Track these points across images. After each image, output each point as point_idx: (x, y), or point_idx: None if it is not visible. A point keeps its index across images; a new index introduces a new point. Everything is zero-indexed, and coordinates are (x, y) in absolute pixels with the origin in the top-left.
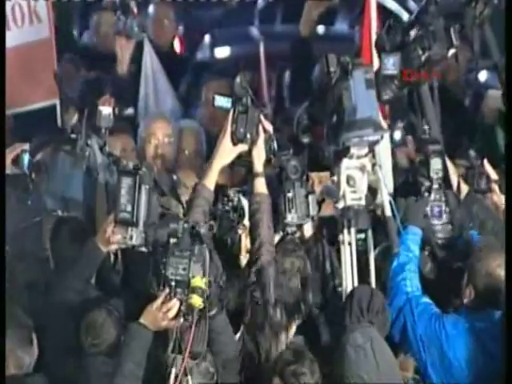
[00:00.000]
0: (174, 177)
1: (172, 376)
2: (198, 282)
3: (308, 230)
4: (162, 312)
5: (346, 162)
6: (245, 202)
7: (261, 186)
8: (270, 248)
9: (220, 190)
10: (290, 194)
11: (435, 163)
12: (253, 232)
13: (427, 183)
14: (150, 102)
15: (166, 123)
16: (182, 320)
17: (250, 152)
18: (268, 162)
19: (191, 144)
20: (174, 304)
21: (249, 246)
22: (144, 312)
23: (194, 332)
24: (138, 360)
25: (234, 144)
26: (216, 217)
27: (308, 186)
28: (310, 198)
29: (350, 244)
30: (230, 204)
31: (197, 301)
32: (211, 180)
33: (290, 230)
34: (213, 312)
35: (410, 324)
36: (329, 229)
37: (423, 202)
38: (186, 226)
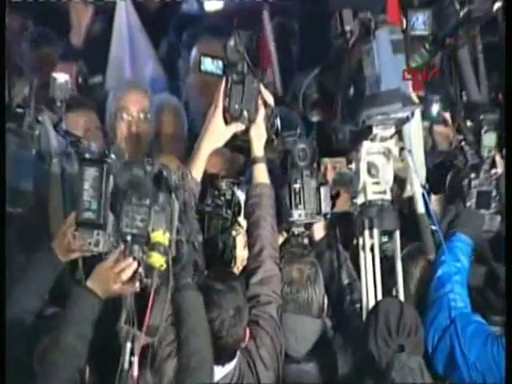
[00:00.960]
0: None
1: (127, 351)
2: (159, 237)
3: (319, 230)
4: (114, 273)
5: (366, 145)
6: (241, 196)
7: (261, 174)
8: (274, 253)
9: (209, 180)
10: (296, 186)
11: (488, 139)
12: (251, 233)
13: (472, 174)
14: (123, 67)
15: (142, 94)
16: (138, 284)
17: (247, 132)
18: (270, 144)
19: (171, 125)
20: (129, 263)
21: (246, 251)
22: (92, 273)
23: (153, 300)
24: (80, 332)
25: (227, 123)
26: (204, 215)
27: (319, 176)
28: (322, 190)
29: (371, 249)
30: (222, 198)
31: (157, 260)
32: (198, 169)
33: (296, 230)
34: (183, 281)
35: (459, 349)
36: (345, 230)
37: (479, 216)
38: (149, 168)
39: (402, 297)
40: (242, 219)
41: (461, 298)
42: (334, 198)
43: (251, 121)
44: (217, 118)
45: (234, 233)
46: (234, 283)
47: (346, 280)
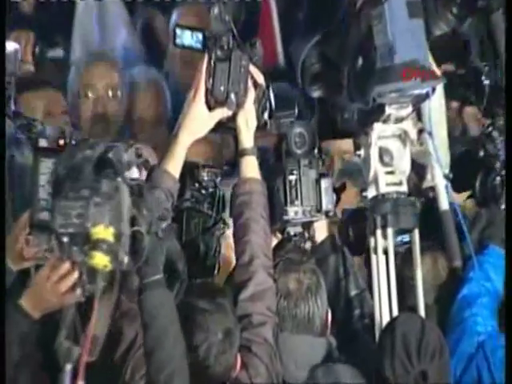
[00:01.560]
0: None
1: (66, 374)
2: (101, 232)
3: (321, 230)
4: (51, 283)
5: (378, 127)
6: (226, 189)
7: (251, 168)
8: (267, 262)
9: (187, 170)
10: (292, 178)
11: None
12: (240, 239)
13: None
14: (90, 37)
15: (111, 67)
16: (80, 292)
17: (234, 118)
18: (261, 127)
19: (147, 105)
20: (67, 270)
21: (233, 257)
22: (27, 286)
23: (98, 309)
24: (9, 354)
25: (211, 108)
26: (182, 212)
27: (320, 165)
28: (323, 183)
29: (385, 252)
30: (204, 192)
31: (100, 260)
32: (175, 164)
33: (293, 230)
34: (148, 279)
35: (487, 378)
36: (353, 229)
37: None
38: (89, 153)
39: (422, 311)
40: (227, 216)
41: (485, 321)
42: (339, 191)
43: (239, 105)
44: (198, 103)
45: (217, 233)
46: (221, 300)
47: (354, 291)
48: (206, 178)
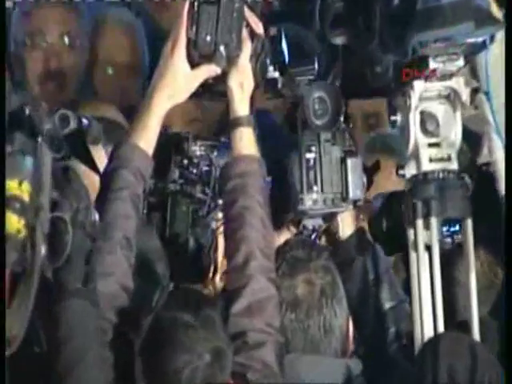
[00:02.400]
0: (85, 120)
1: None
2: (14, 188)
3: (346, 224)
4: None
5: (419, 86)
6: None
7: (246, 142)
8: (267, 264)
9: (174, 143)
10: (310, 156)
11: None
12: (232, 234)
13: None
14: None
15: (67, 9)
16: None
17: (224, 79)
18: (271, 88)
19: (116, 51)
20: None
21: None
22: None
23: (10, 290)
24: None
25: (194, 65)
26: (166, 196)
27: (347, 140)
28: (350, 162)
29: (427, 247)
30: (195, 170)
31: (12, 222)
32: (149, 136)
33: (310, 224)
34: (66, 286)
35: None
36: (387, 222)
37: None
38: None
39: (476, 331)
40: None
41: None
42: (371, 173)
43: (231, 61)
44: (177, 58)
45: (213, 224)
46: (209, 312)
47: (389, 303)
48: (197, 153)
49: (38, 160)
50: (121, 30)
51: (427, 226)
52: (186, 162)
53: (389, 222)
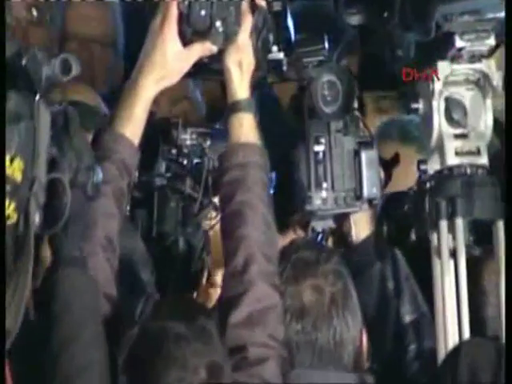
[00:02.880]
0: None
1: None
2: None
3: (361, 225)
4: None
5: (444, 69)
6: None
7: (246, 129)
8: (269, 268)
9: (161, 130)
10: (319, 148)
11: None
12: (229, 234)
13: None
14: None
15: None
16: None
17: (221, 58)
18: (274, 69)
19: (88, 24)
20: None
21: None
22: None
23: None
24: None
25: (186, 42)
26: (152, 192)
27: (361, 130)
28: (366, 155)
29: (452, 253)
30: (185, 162)
31: None
32: (135, 123)
33: (320, 226)
34: (63, 253)
35: None
36: (388, 225)
37: None
38: None
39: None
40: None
41: None
42: (389, 167)
43: (228, 38)
44: (167, 35)
45: (206, 223)
46: (205, 323)
47: (410, 315)
48: (188, 143)
49: (35, 123)
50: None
51: (452, 229)
52: (174, 152)
53: (390, 227)
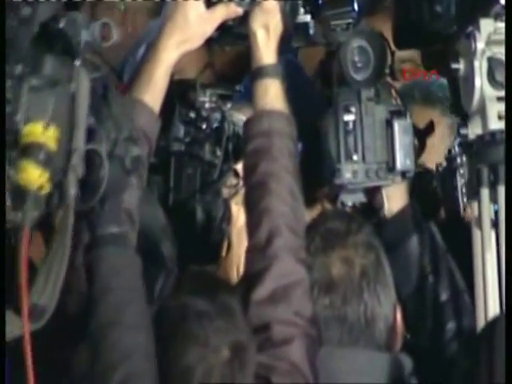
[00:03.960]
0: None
1: None
2: (37, 133)
3: (395, 199)
4: None
5: (487, 26)
6: (240, 121)
7: (271, 96)
8: (295, 242)
9: (178, 92)
10: (349, 118)
11: None
12: (253, 206)
13: None
14: None
15: None
16: None
17: (246, 21)
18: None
19: None
20: None
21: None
22: None
23: (25, 255)
24: None
25: (210, 3)
26: (169, 157)
27: (394, 98)
28: (399, 125)
29: (495, 225)
30: (204, 126)
31: (32, 174)
32: (156, 90)
33: (349, 199)
34: (102, 230)
35: None
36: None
37: None
38: (26, 12)
39: None
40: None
41: None
42: (424, 136)
43: (255, 1)
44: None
45: (226, 192)
46: (228, 299)
47: (446, 293)
48: (207, 106)
49: (74, 90)
50: None
51: (494, 198)
52: (193, 115)
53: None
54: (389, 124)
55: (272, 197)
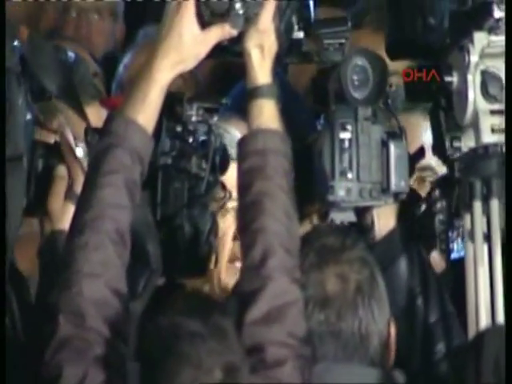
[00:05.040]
0: (71, 53)
1: None
2: None
3: (385, 218)
4: None
5: (481, 40)
6: (231, 136)
7: (266, 116)
8: (290, 262)
9: (166, 104)
10: (345, 136)
11: None
12: (248, 224)
13: None
14: None
15: None
16: None
17: (241, 40)
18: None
19: None
20: None
21: (237, 250)
22: None
23: None
24: None
25: (205, 24)
26: (155, 171)
27: (390, 117)
28: (395, 146)
29: (487, 238)
30: (191, 139)
31: None
32: (149, 110)
33: (340, 218)
34: None
35: None
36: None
37: None
38: None
39: None
40: (228, 179)
41: None
42: (415, 160)
43: (250, 21)
44: (184, 17)
45: (213, 205)
46: (221, 320)
47: (435, 314)
48: (194, 119)
49: None
50: None
51: (487, 211)
52: (179, 129)
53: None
54: (384, 145)
55: (266, 216)
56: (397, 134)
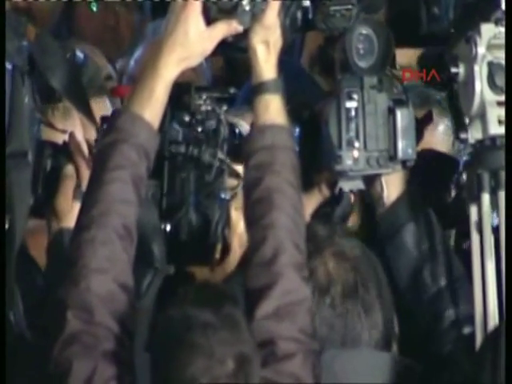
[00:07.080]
0: (80, 53)
1: None
2: None
3: (393, 187)
4: None
5: (487, 31)
6: (242, 129)
7: (272, 111)
8: (299, 259)
9: (174, 96)
10: (351, 105)
11: None
12: (257, 221)
13: None
14: None
15: None
16: None
17: (246, 37)
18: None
19: None
20: None
21: (244, 239)
22: None
23: None
24: None
25: (211, 21)
26: (162, 160)
27: (396, 87)
28: (402, 114)
29: (494, 229)
30: (200, 128)
31: None
32: (155, 106)
33: (348, 186)
34: None
35: None
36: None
37: None
38: None
39: None
40: (239, 167)
41: None
42: (422, 126)
43: (255, 18)
44: (190, 14)
45: (223, 195)
46: (232, 311)
47: (444, 279)
48: (202, 108)
49: None
50: None
51: (494, 204)
52: (187, 119)
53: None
54: (391, 112)
55: (277, 211)
56: (403, 101)
